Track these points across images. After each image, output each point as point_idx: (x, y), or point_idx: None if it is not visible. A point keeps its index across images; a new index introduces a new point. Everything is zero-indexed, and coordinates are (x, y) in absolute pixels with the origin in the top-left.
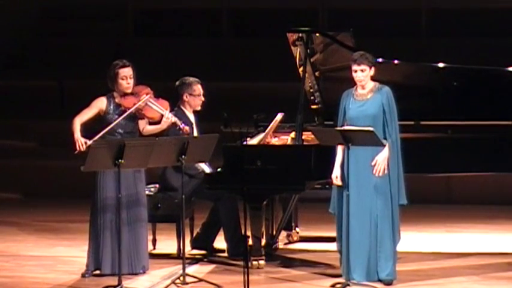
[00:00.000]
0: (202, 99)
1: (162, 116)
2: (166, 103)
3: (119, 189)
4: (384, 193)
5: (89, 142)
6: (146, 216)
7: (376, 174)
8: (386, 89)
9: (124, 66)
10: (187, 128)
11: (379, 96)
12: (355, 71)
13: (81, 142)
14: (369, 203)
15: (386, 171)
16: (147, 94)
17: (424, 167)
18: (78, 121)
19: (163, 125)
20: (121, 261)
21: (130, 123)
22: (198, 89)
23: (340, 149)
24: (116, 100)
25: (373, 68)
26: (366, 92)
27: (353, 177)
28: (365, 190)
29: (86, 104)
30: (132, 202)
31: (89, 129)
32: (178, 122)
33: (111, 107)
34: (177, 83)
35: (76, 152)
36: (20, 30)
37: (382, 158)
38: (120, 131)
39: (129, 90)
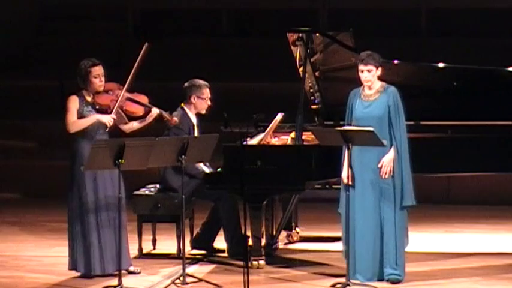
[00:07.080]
0: (209, 103)
1: (144, 109)
2: (144, 97)
3: (119, 190)
4: (389, 196)
5: (112, 115)
6: (122, 218)
7: (383, 176)
8: (393, 89)
9: (95, 64)
10: (175, 118)
11: (385, 97)
12: (362, 71)
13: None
14: (373, 205)
15: (391, 174)
16: (119, 90)
17: (424, 167)
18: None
19: (149, 119)
20: (121, 260)
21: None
22: (207, 92)
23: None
24: (88, 99)
25: (380, 68)
26: (373, 92)
27: (358, 179)
28: (369, 192)
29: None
30: (110, 204)
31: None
32: (165, 113)
33: (83, 105)
34: (186, 84)
35: (108, 129)
36: (20, 30)
37: (388, 160)
38: (100, 131)
39: (102, 89)
